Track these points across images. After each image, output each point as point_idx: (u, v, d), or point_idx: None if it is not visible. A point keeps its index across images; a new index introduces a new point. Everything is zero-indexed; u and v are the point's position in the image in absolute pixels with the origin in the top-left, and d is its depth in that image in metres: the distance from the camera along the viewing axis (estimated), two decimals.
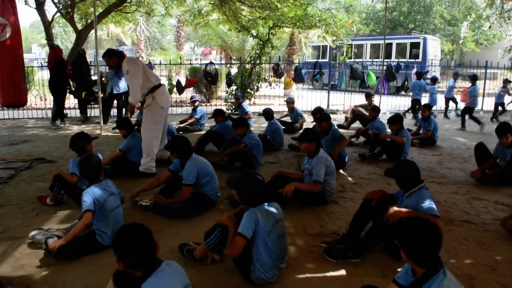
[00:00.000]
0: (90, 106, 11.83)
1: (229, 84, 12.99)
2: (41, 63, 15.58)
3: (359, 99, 13.51)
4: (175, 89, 12.27)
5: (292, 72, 17.65)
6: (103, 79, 10.90)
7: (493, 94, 13.32)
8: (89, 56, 14.51)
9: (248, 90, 12.79)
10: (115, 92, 10.47)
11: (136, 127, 6.49)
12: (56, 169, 6.36)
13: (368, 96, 10.74)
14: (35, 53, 48.44)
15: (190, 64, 17.29)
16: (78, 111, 11.63)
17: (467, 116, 11.11)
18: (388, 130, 7.67)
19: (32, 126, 10.68)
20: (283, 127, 8.71)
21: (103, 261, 3.48)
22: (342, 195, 5.22)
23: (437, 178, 6.20)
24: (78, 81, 10.90)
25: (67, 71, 10.47)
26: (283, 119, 10.27)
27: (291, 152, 7.69)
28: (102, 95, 10.03)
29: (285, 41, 21.24)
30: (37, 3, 11.41)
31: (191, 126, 9.50)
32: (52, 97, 10.83)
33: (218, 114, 7.60)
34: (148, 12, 14.21)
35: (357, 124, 10.18)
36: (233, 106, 12.89)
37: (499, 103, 12.59)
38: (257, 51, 12.65)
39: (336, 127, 6.91)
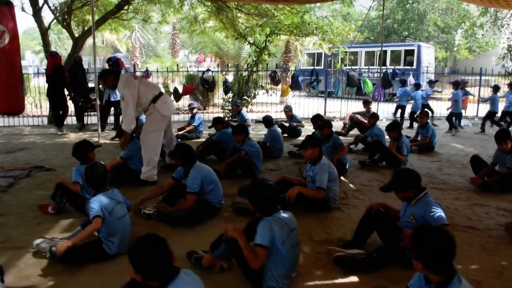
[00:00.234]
0: (87, 113, 11.77)
1: (226, 91, 13.00)
2: (38, 69, 15.51)
3: (356, 106, 13.57)
4: (172, 97, 12.23)
5: (288, 80, 17.72)
6: (100, 86, 10.86)
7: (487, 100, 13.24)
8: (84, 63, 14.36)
9: (245, 97, 12.78)
10: (112, 99, 10.46)
11: (134, 135, 6.45)
12: (56, 177, 6.35)
13: (366, 103, 10.78)
14: (28, 60, 48.19)
15: (188, 71, 17.24)
16: (74, 118, 11.56)
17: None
18: (387, 137, 7.70)
19: (28, 134, 10.61)
20: (281, 130, 8.74)
21: (109, 270, 3.45)
22: (345, 202, 5.22)
23: (438, 184, 6.22)
24: (74, 88, 10.85)
25: (66, 78, 10.44)
26: (283, 122, 10.26)
27: (291, 159, 7.68)
28: (99, 102, 10.00)
29: (281, 49, 21.29)
30: (34, 9, 11.36)
31: (190, 133, 9.48)
32: (49, 104, 10.84)
33: (217, 122, 7.60)
34: (145, 19, 14.21)
35: (355, 131, 10.20)
36: (230, 114, 12.91)
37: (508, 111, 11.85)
38: (254, 59, 12.68)
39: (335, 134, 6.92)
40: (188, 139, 9.23)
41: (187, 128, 9.61)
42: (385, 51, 23.44)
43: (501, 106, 12.07)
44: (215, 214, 4.59)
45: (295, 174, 6.54)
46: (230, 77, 15.88)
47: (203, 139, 9.32)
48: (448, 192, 5.81)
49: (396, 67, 19.28)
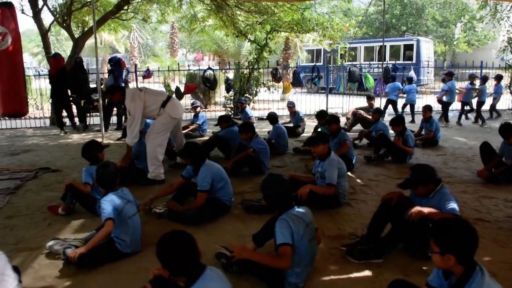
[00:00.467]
0: (89, 114, 11.77)
1: (228, 90, 12.99)
2: (39, 72, 15.50)
3: (358, 101, 13.59)
4: (174, 96, 12.22)
5: (288, 76, 17.70)
6: (102, 86, 10.87)
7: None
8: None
9: (247, 95, 12.77)
10: None
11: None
12: (62, 178, 6.37)
13: (369, 99, 10.79)
14: (26, 62, 48.15)
15: (189, 70, 17.23)
16: (76, 119, 11.55)
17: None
18: (391, 132, 7.72)
19: (31, 136, 10.61)
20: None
21: (123, 269, 3.46)
22: (353, 197, 5.23)
23: (445, 178, 6.20)
24: (75, 89, 10.86)
25: (69, 79, 10.45)
26: (285, 124, 10.26)
27: (296, 156, 7.68)
28: (101, 102, 9.99)
29: (280, 46, 21.28)
30: (34, 11, 11.34)
31: (193, 132, 9.48)
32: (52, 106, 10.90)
33: (222, 120, 7.60)
34: (145, 19, 14.19)
35: (358, 127, 10.20)
36: (232, 111, 12.90)
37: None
38: (255, 56, 12.66)
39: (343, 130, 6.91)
40: (192, 137, 9.23)
41: (191, 127, 9.60)
42: (385, 46, 23.47)
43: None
44: (225, 212, 4.59)
45: (301, 170, 6.55)
46: (230, 75, 15.88)
47: (207, 138, 9.34)
48: (455, 186, 5.82)
49: (396, 62, 19.27)
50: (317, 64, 15.62)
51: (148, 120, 6.81)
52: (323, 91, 18.98)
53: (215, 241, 3.80)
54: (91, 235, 3.84)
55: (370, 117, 10.06)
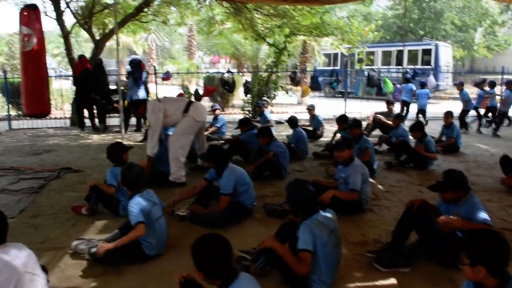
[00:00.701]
0: (108, 115, 11.88)
1: (246, 92, 12.99)
2: (60, 72, 15.70)
3: (376, 106, 13.49)
4: (193, 98, 12.29)
5: (306, 80, 17.67)
6: (122, 88, 10.97)
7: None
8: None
9: (265, 98, 12.76)
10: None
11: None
12: (84, 178, 6.44)
13: (389, 103, 10.71)
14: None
15: (207, 73, 17.31)
16: (96, 120, 11.68)
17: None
18: (411, 137, 7.65)
19: (52, 136, 10.75)
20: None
21: (149, 271, 3.47)
22: (376, 203, 5.18)
23: None
24: (96, 91, 11.00)
25: (92, 82, 10.62)
26: (304, 127, 10.22)
27: (316, 161, 7.65)
28: (121, 103, 10.10)
29: (298, 49, 21.23)
30: (57, 13, 11.51)
31: (213, 134, 9.48)
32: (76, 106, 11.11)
33: (242, 124, 7.61)
34: (164, 22, 14.29)
35: (377, 132, 10.12)
36: (250, 114, 12.89)
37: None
38: (274, 59, 12.66)
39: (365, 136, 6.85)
40: (211, 140, 9.23)
41: (210, 130, 9.60)
42: (402, 51, 23.28)
43: None
44: (247, 216, 4.59)
45: (322, 175, 6.51)
46: (246, 78, 15.92)
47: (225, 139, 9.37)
48: (480, 194, 5.71)
49: (413, 66, 19.12)
50: (335, 68, 15.60)
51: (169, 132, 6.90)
52: (340, 95, 18.94)
53: (238, 245, 3.77)
54: (114, 235, 3.88)
55: (389, 122, 9.99)
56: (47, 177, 6.42)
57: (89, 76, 10.50)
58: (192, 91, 12.78)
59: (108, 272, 3.44)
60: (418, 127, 7.14)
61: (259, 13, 12.75)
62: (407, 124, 9.16)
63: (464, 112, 11.88)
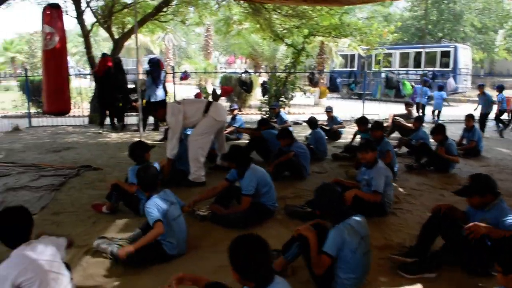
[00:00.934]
0: (126, 114, 11.94)
1: (264, 93, 12.94)
2: (79, 71, 15.86)
3: (394, 108, 13.36)
4: (210, 98, 12.31)
5: (322, 81, 17.56)
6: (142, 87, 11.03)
7: None
8: None
9: (282, 98, 12.70)
10: (152, 100, 10.53)
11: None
12: (103, 176, 6.47)
13: (408, 105, 10.59)
14: None
15: (225, 72, 17.33)
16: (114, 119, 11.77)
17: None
18: (431, 140, 7.53)
19: (71, 133, 10.84)
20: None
21: (171, 271, 3.43)
22: (398, 207, 5.11)
23: None
24: (115, 89, 11.07)
25: (114, 80, 10.71)
26: (322, 126, 10.15)
27: (336, 162, 7.57)
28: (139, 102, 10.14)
29: (315, 50, 21.13)
30: (77, 13, 11.62)
31: (231, 134, 9.46)
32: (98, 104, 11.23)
33: (261, 124, 7.58)
34: (183, 21, 14.33)
35: (395, 134, 10.01)
36: (267, 115, 12.84)
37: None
38: (292, 60, 12.59)
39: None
40: (229, 140, 9.21)
41: (228, 130, 9.55)
42: (420, 53, 23.06)
43: None
44: (269, 217, 4.56)
45: (341, 177, 6.40)
46: (261, 79, 15.88)
47: (243, 141, 9.33)
48: (505, 199, 5.59)
49: (432, 69, 18.89)
50: (350, 69, 15.49)
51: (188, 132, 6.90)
52: (356, 97, 18.80)
53: None
54: (136, 234, 3.87)
55: (408, 124, 9.87)
56: (67, 174, 6.47)
57: (111, 74, 10.59)
58: (209, 91, 12.76)
59: (130, 271, 3.43)
60: (439, 130, 7.02)
61: (277, 13, 12.70)
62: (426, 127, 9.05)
63: (486, 116, 11.73)
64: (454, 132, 10.23)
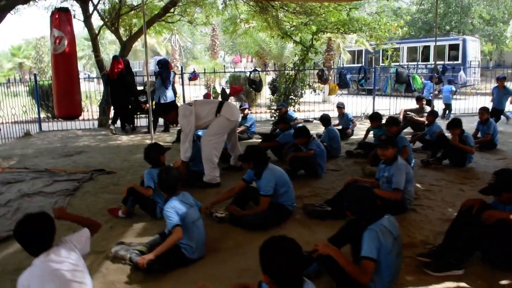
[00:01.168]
0: (136, 116, 11.92)
1: (273, 91, 12.84)
2: (88, 74, 15.89)
3: (404, 103, 13.24)
4: (219, 97, 12.24)
5: (331, 78, 17.42)
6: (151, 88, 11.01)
7: None
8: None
9: (292, 96, 12.59)
10: (162, 101, 10.49)
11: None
12: (117, 180, 6.43)
13: (419, 100, 10.46)
14: None
15: (234, 72, 17.27)
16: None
17: None
18: (448, 135, 7.41)
19: (81, 137, 10.83)
20: None
21: (192, 276, 3.39)
22: (418, 203, 5.00)
23: None
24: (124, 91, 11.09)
25: (126, 83, 10.74)
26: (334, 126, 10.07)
27: (350, 159, 7.48)
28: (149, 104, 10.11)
29: (322, 46, 21.00)
30: (85, 16, 11.61)
31: (242, 134, 9.38)
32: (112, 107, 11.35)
33: (281, 121, 7.57)
34: (190, 21, 14.28)
35: (407, 129, 9.89)
36: (276, 114, 12.74)
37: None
38: (301, 57, 12.48)
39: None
40: (241, 139, 9.13)
41: (239, 129, 9.46)
42: (428, 46, 22.86)
43: None
44: (288, 217, 4.48)
45: (357, 174, 6.36)
46: (269, 77, 15.77)
47: (255, 140, 9.27)
48: None
49: (440, 62, 18.68)
50: (358, 65, 15.35)
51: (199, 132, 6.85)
52: (363, 93, 18.65)
53: None
54: (154, 240, 3.81)
55: (420, 119, 9.76)
56: (81, 179, 6.42)
57: (123, 77, 10.60)
58: (218, 90, 12.70)
59: (151, 277, 3.36)
60: (456, 124, 6.89)
61: (284, 11, 12.61)
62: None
63: (501, 111, 11.57)
64: (465, 125, 10.05)
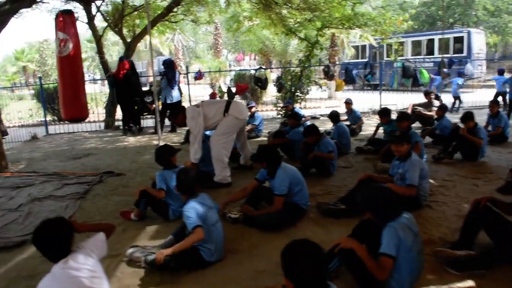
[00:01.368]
0: (142, 116, 11.89)
1: (279, 89, 12.78)
2: (93, 76, 15.86)
3: (412, 98, 13.13)
4: (225, 96, 12.21)
5: (336, 74, 17.33)
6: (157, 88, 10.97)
7: None
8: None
9: (298, 93, 12.52)
10: (168, 101, 10.48)
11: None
12: (127, 182, 6.39)
13: (427, 94, 10.37)
14: None
15: (240, 70, 17.22)
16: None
17: None
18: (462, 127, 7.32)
19: (88, 139, 10.82)
20: None
21: (210, 279, 3.35)
22: (433, 199, 4.93)
23: None
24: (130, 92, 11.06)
25: (132, 84, 10.70)
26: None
27: (360, 155, 7.41)
28: (155, 105, 10.08)
29: (326, 42, 20.88)
30: (88, 18, 11.58)
31: (250, 133, 9.32)
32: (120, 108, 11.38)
33: (292, 117, 7.51)
34: (194, 20, 14.23)
35: (416, 124, 9.80)
36: (283, 111, 12.68)
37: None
38: (306, 54, 12.40)
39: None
40: (249, 138, 9.07)
41: (247, 128, 9.41)
42: (432, 40, 22.70)
43: None
44: (302, 216, 4.42)
45: (368, 170, 6.28)
46: (274, 75, 15.71)
47: (263, 138, 9.21)
48: None
49: (446, 55, 18.54)
50: (362, 60, 15.26)
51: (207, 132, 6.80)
52: (369, 88, 18.55)
53: None
54: (168, 241, 3.77)
55: (429, 113, 9.67)
56: (90, 181, 6.39)
57: (128, 78, 10.57)
58: (224, 89, 12.65)
59: (167, 280, 3.33)
60: (469, 117, 6.80)
61: (288, 7, 12.51)
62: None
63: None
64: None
